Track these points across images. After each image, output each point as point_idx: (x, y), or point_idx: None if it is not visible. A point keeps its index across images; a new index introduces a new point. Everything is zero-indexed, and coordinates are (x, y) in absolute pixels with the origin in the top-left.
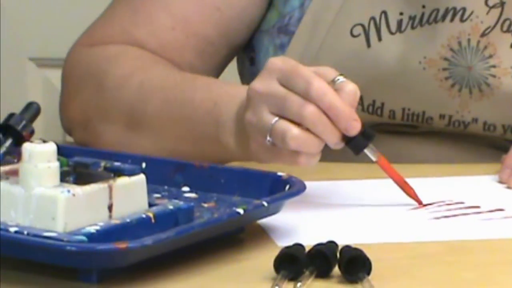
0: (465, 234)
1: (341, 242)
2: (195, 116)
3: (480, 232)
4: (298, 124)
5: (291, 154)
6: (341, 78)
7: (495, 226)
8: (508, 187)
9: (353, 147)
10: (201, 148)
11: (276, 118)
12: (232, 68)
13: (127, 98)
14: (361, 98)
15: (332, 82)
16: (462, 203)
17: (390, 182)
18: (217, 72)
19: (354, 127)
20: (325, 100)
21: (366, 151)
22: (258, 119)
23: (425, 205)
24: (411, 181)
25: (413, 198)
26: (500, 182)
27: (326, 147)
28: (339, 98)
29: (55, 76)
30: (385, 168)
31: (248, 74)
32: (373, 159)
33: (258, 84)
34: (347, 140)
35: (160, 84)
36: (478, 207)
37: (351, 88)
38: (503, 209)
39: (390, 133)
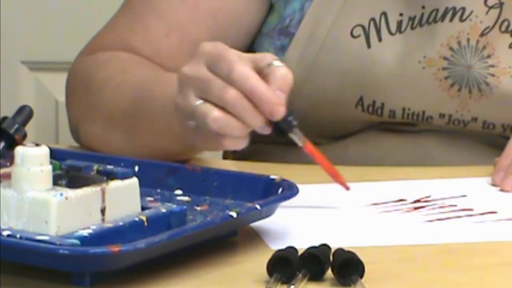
0: (458, 237)
1: (334, 245)
2: (155, 110)
3: (473, 235)
4: (222, 108)
5: (215, 137)
6: (277, 63)
7: (488, 229)
8: (501, 190)
9: (278, 132)
10: (164, 142)
11: (200, 101)
12: None
13: (106, 99)
14: (361, 98)
15: (268, 66)
16: (454, 206)
17: (383, 185)
18: None
19: (278, 111)
20: (247, 84)
21: (291, 135)
22: (184, 101)
23: (417, 208)
24: (403, 184)
25: (342, 185)
26: (493, 184)
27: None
28: (263, 83)
29: (47, 79)
30: (311, 153)
31: None
32: (299, 144)
33: (187, 67)
34: (273, 124)
35: (134, 84)
36: (471, 209)
37: (282, 73)
38: (496, 211)
39: (390, 131)
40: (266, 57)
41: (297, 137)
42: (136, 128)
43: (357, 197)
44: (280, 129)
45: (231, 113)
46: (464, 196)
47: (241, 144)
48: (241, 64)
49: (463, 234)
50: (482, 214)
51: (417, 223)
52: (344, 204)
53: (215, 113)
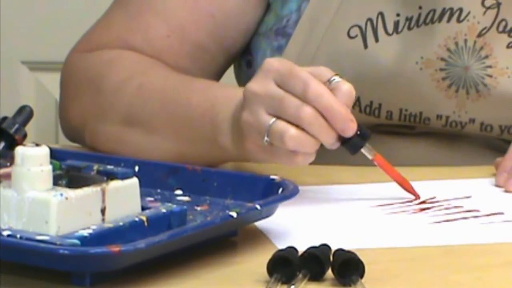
0: (464, 239)
1: (337, 247)
2: (192, 117)
3: (479, 236)
4: (295, 124)
5: (288, 154)
6: (337, 78)
7: (494, 229)
8: (506, 191)
9: (349, 147)
10: (198, 148)
11: (274, 119)
12: (229, 71)
13: (125, 100)
14: (358, 99)
15: (328, 82)
16: (461, 207)
17: (387, 186)
18: (214, 78)
19: (351, 127)
20: (322, 102)
21: (362, 150)
22: (255, 119)
23: (423, 209)
24: None
25: (412, 193)
26: (497, 185)
27: (321, 149)
28: (336, 99)
29: (47, 79)
30: (382, 165)
31: (245, 77)
32: (370, 157)
33: (255, 85)
34: (343, 140)
35: (158, 86)
36: (477, 210)
37: (347, 88)
38: (503, 212)
39: (387, 133)
40: (325, 72)
41: (368, 151)
42: (167, 132)
43: (362, 198)
44: (352, 144)
45: (306, 130)
46: (469, 197)
47: (310, 159)
48: (315, 82)
49: (469, 235)
50: (488, 215)
51: (424, 225)
52: (349, 205)
53: (292, 131)
